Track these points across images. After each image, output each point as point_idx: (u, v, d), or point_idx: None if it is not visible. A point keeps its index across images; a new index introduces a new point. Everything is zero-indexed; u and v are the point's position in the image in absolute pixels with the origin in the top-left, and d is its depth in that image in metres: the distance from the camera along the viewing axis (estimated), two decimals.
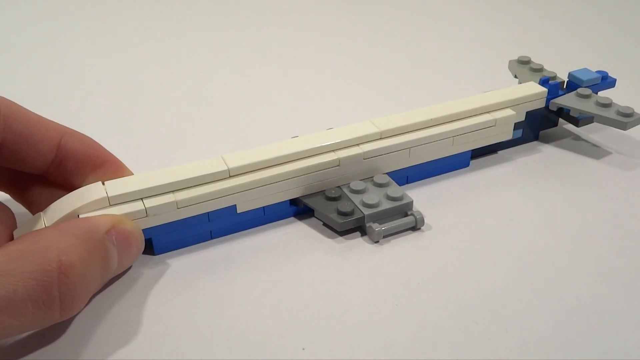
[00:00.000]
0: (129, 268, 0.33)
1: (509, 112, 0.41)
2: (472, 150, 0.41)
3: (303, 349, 0.28)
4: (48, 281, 0.25)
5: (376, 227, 0.34)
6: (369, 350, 0.28)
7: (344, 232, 0.35)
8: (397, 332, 0.29)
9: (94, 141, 0.34)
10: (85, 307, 0.30)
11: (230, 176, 0.34)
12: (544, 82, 0.43)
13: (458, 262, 0.33)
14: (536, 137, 0.44)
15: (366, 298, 0.31)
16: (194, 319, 0.30)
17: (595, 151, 0.43)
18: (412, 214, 0.35)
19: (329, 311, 0.30)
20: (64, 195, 0.32)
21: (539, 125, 0.44)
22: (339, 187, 0.36)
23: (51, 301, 0.26)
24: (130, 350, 0.28)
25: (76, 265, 0.27)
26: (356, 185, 0.36)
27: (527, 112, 0.42)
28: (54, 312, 0.26)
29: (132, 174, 0.34)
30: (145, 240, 0.33)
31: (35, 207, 0.33)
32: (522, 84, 0.43)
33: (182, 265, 0.33)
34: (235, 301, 0.31)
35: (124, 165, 0.34)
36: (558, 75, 0.45)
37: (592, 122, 0.44)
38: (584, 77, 0.44)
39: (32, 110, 0.33)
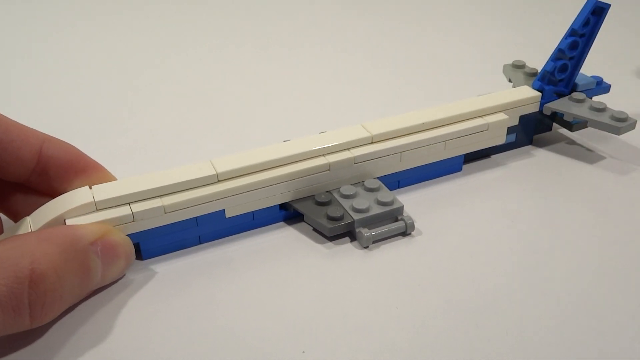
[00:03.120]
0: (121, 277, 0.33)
1: (502, 116, 0.40)
2: (465, 154, 0.40)
3: (303, 352, 0.28)
4: (18, 288, 0.25)
5: (366, 232, 0.34)
6: (369, 353, 0.28)
7: (333, 237, 0.35)
8: (396, 336, 0.29)
9: (75, 147, 0.34)
10: (70, 312, 0.30)
11: (218, 181, 0.34)
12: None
13: (449, 267, 0.33)
14: (530, 142, 0.44)
15: (360, 303, 0.30)
16: (192, 323, 0.30)
17: (589, 155, 0.43)
18: (402, 219, 0.35)
19: (327, 314, 0.30)
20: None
21: (533, 129, 0.44)
22: (329, 191, 0.36)
23: (20, 308, 0.26)
24: (127, 352, 0.28)
25: (48, 275, 0.26)
26: (346, 189, 0.36)
27: (520, 117, 0.42)
28: (23, 319, 0.26)
29: (116, 179, 0.34)
30: (133, 245, 0.33)
31: (20, 217, 0.33)
32: (516, 88, 0.43)
33: (170, 270, 0.33)
34: (223, 306, 0.31)
35: (106, 170, 0.34)
36: None
37: (586, 126, 0.43)
38: (579, 82, 0.44)
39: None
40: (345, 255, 0.34)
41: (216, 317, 0.30)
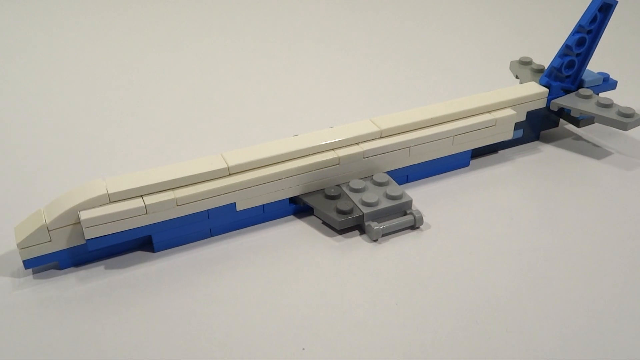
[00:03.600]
0: (127, 265, 0.33)
1: (509, 111, 0.41)
2: (473, 149, 0.41)
3: (303, 348, 0.28)
4: None
5: (375, 225, 0.34)
6: (369, 350, 0.28)
7: (343, 231, 0.35)
8: (397, 332, 0.29)
9: None
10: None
11: (230, 174, 0.34)
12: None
13: (457, 261, 0.33)
14: (537, 137, 0.44)
15: (366, 297, 0.31)
16: (192, 318, 0.30)
17: (595, 151, 0.43)
18: (411, 213, 0.35)
19: (329, 310, 0.30)
20: None
21: (540, 125, 0.44)
22: (338, 185, 0.36)
23: None
24: (128, 349, 0.28)
25: None
26: (356, 183, 0.36)
27: (527, 112, 0.42)
28: None
29: None
30: (145, 237, 0.33)
31: None
32: (523, 84, 0.43)
33: (181, 262, 0.33)
34: (234, 300, 0.31)
35: None
36: None
37: (593, 122, 0.44)
38: (586, 78, 0.44)
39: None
40: (355, 248, 0.34)
41: (227, 310, 0.30)
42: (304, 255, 0.34)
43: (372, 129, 0.37)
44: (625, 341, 0.28)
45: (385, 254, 0.34)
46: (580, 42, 0.42)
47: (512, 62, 0.49)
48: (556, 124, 0.45)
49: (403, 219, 0.35)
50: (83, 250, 0.33)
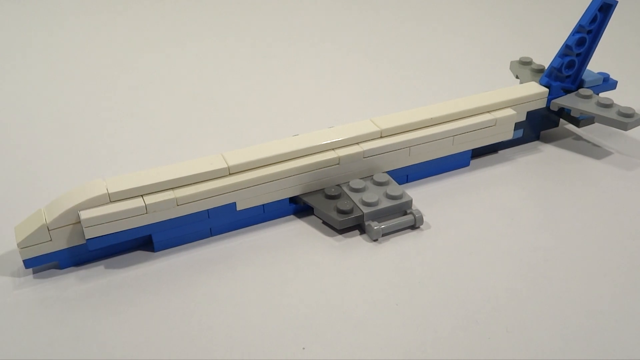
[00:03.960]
0: (127, 265, 0.33)
1: (509, 111, 0.41)
2: (473, 149, 0.41)
3: (303, 348, 0.28)
4: None
5: (375, 225, 0.34)
6: (369, 350, 0.28)
7: (343, 230, 0.35)
8: (397, 332, 0.29)
9: None
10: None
11: (230, 174, 0.34)
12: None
13: (457, 261, 0.33)
14: (537, 137, 0.44)
15: (366, 297, 0.31)
16: (192, 318, 0.30)
17: (595, 151, 0.43)
18: (411, 213, 0.35)
19: (329, 310, 0.30)
20: None
21: (540, 125, 0.44)
22: (338, 185, 0.36)
23: None
24: (128, 349, 0.28)
25: None
26: (356, 183, 0.36)
27: (528, 112, 0.42)
28: None
29: None
30: (145, 237, 0.33)
31: None
32: (523, 84, 0.43)
33: (181, 262, 0.33)
34: (234, 299, 0.31)
35: None
36: None
37: (593, 122, 0.44)
38: (586, 78, 0.44)
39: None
40: (355, 248, 0.34)
41: (227, 310, 0.30)
42: (304, 255, 0.34)
43: (372, 128, 0.37)
44: (625, 341, 0.28)
45: (385, 254, 0.34)
46: (581, 42, 0.42)
47: (512, 62, 0.49)
48: (556, 124, 0.45)
49: (403, 219, 0.35)
50: (83, 249, 0.33)
